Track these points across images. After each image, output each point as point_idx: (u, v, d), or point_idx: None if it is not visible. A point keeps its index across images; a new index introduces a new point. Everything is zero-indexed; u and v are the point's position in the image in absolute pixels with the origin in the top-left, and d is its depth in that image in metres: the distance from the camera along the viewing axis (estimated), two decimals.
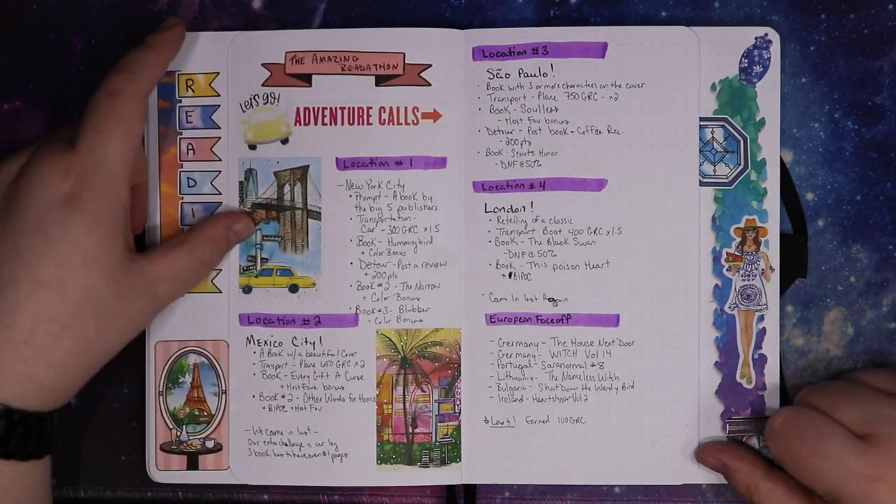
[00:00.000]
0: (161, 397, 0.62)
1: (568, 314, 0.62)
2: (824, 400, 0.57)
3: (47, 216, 0.53)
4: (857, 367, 0.62)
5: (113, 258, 0.54)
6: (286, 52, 0.61)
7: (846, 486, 0.53)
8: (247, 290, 0.62)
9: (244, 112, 0.62)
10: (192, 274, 0.59)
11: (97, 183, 0.54)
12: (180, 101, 0.62)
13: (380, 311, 0.62)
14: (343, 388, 0.62)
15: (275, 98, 0.62)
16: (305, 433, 0.62)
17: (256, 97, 0.62)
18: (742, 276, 0.61)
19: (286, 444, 0.62)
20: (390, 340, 0.62)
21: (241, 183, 0.62)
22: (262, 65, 0.62)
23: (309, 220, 0.62)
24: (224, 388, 0.62)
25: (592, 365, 0.62)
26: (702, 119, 0.61)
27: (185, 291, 0.60)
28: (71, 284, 0.53)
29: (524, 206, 0.62)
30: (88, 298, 0.53)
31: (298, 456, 0.62)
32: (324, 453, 0.62)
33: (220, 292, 0.62)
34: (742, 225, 0.61)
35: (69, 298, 0.53)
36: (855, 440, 0.54)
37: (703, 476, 0.62)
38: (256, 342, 0.62)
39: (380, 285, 0.62)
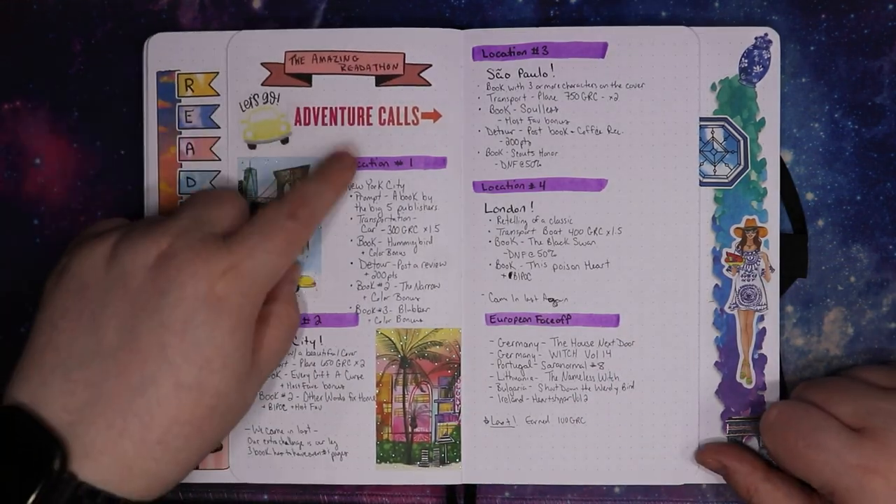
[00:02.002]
0: None
1: (568, 314, 0.62)
2: (820, 394, 0.57)
3: (196, 316, 0.52)
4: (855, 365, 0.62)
5: (245, 362, 0.54)
6: (286, 52, 0.61)
7: (841, 478, 0.54)
8: None
9: (244, 111, 0.62)
10: (286, 345, 0.59)
11: (247, 289, 0.53)
12: (180, 101, 0.62)
13: (380, 310, 0.62)
14: (343, 387, 0.62)
15: (275, 98, 0.62)
16: (305, 432, 0.62)
17: (256, 97, 0.62)
18: (742, 276, 0.61)
19: (286, 443, 0.62)
20: (390, 340, 0.62)
21: (240, 182, 0.62)
22: (262, 64, 0.62)
23: None
24: None
25: (592, 365, 0.62)
26: (702, 119, 0.61)
27: (279, 365, 0.61)
28: (209, 388, 0.52)
29: (524, 206, 0.62)
30: (221, 401, 0.53)
31: (298, 454, 0.62)
32: (324, 452, 0.62)
33: None
34: (742, 225, 0.61)
35: (205, 402, 0.52)
36: (850, 432, 0.54)
37: (703, 476, 0.62)
38: None
39: (380, 285, 0.62)
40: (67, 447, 0.50)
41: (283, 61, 0.62)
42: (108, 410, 0.51)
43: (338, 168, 0.60)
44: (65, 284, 0.54)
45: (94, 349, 0.52)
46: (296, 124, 0.62)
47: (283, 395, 0.62)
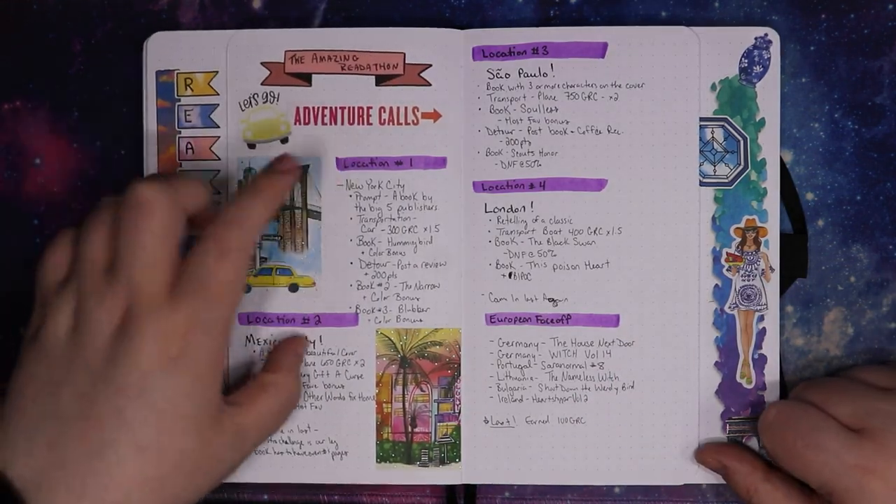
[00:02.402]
0: None
1: (568, 314, 0.62)
2: (818, 394, 0.57)
3: (150, 380, 0.52)
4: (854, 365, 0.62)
5: (209, 418, 0.53)
6: (286, 51, 0.61)
7: (840, 479, 0.54)
8: (246, 289, 0.62)
9: (243, 111, 0.62)
10: (280, 417, 0.58)
11: (202, 343, 0.53)
12: (179, 100, 0.62)
13: (379, 310, 0.62)
14: (343, 386, 0.62)
15: (274, 97, 0.62)
16: (305, 431, 0.62)
17: (255, 96, 0.62)
18: (742, 276, 0.61)
19: (286, 443, 0.62)
20: (390, 340, 0.62)
21: (239, 182, 0.62)
22: (262, 63, 0.62)
23: (308, 219, 0.62)
24: (224, 388, 0.62)
25: (592, 365, 0.62)
26: (702, 119, 0.61)
27: (270, 436, 0.60)
28: (169, 448, 0.52)
29: (524, 206, 0.62)
30: (183, 459, 0.52)
31: (298, 454, 0.62)
32: (324, 451, 0.62)
33: None
34: (742, 225, 0.61)
35: (166, 461, 0.52)
36: (849, 433, 0.54)
37: (703, 476, 0.62)
38: (256, 341, 0.62)
39: (380, 285, 0.62)
40: None
41: (282, 61, 0.61)
42: (68, 474, 0.51)
43: (271, 177, 0.57)
44: (33, 352, 0.54)
45: (53, 412, 0.52)
46: (295, 124, 0.62)
47: None
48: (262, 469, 0.62)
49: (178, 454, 0.52)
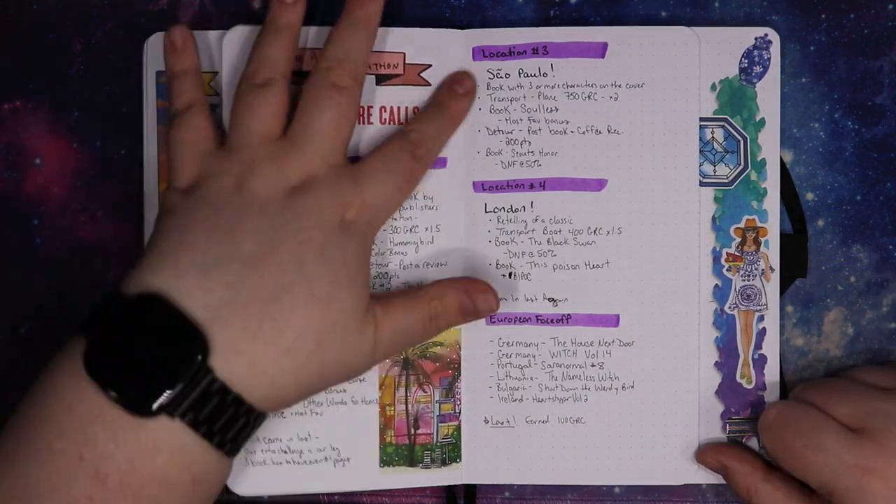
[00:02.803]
0: None
1: (568, 314, 0.62)
2: (818, 395, 0.57)
3: (331, 237, 0.54)
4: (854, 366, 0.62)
5: (366, 287, 0.55)
6: None
7: (840, 479, 0.54)
8: None
9: None
10: (410, 334, 0.58)
11: (371, 219, 0.56)
12: None
13: None
14: (345, 391, 0.61)
15: None
16: (306, 439, 0.61)
17: None
18: (742, 276, 0.61)
19: (285, 452, 0.61)
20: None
21: None
22: None
23: None
24: None
25: (592, 365, 0.62)
26: (702, 119, 0.61)
27: (400, 349, 0.60)
28: (336, 302, 0.53)
29: (524, 206, 0.62)
30: (342, 319, 0.54)
31: (299, 463, 0.61)
32: (325, 459, 0.61)
33: None
34: (742, 225, 0.61)
35: (331, 316, 0.53)
36: (849, 433, 0.55)
37: (703, 476, 0.62)
38: None
39: (381, 285, 0.61)
40: (208, 341, 0.51)
41: None
42: (245, 312, 0.52)
43: (455, 97, 0.61)
44: (193, 201, 0.55)
45: (231, 255, 0.52)
46: None
47: None
48: (260, 481, 0.61)
49: (339, 311, 0.54)
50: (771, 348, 0.61)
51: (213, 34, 0.62)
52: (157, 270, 0.52)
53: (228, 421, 0.51)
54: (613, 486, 0.63)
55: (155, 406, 0.50)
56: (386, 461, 0.62)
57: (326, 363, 0.54)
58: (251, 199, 0.54)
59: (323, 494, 0.63)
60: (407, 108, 0.61)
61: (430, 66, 0.61)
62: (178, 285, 0.52)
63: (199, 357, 0.50)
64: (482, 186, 0.62)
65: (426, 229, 0.62)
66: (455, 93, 0.61)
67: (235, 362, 0.51)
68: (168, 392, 0.50)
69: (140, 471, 0.50)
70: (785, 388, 0.62)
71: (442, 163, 0.61)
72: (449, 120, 0.61)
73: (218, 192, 0.55)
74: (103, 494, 0.49)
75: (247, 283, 0.52)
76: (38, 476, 0.49)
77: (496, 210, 0.62)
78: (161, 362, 0.51)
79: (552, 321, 0.62)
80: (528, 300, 0.62)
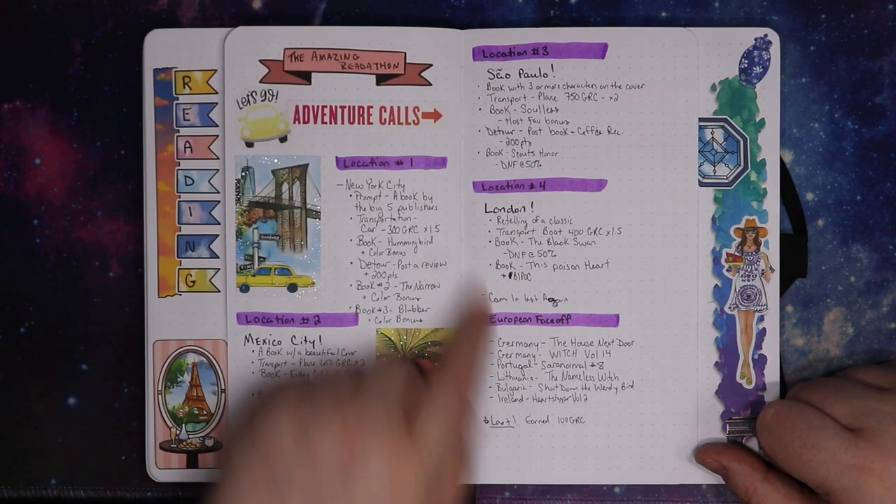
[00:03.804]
0: (160, 396, 0.62)
1: (568, 314, 0.62)
2: (816, 394, 0.57)
3: (379, 497, 0.51)
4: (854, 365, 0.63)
5: None
6: (285, 49, 0.61)
7: (837, 478, 0.54)
8: (244, 288, 0.62)
9: (241, 109, 0.61)
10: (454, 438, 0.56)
11: (424, 473, 0.52)
12: (177, 99, 0.62)
13: (380, 310, 0.62)
14: None
15: (273, 95, 0.61)
16: None
17: (254, 94, 0.61)
18: (742, 276, 0.61)
19: None
20: (390, 340, 0.62)
21: (237, 181, 0.62)
22: (260, 61, 0.61)
23: (308, 219, 0.62)
24: (223, 387, 0.62)
25: (592, 365, 0.62)
26: (702, 119, 0.61)
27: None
28: None
29: (524, 207, 0.62)
30: None
31: None
32: None
33: (219, 291, 0.62)
34: (742, 225, 0.61)
35: None
36: (846, 433, 0.55)
37: (702, 476, 0.62)
38: (255, 341, 0.62)
39: (380, 285, 0.62)
40: None
41: (281, 58, 0.61)
42: None
43: (477, 331, 0.59)
44: (252, 451, 0.52)
45: None
46: (294, 122, 0.61)
47: None
48: None
49: None
50: (771, 348, 0.61)
51: (213, 33, 0.62)
52: None
53: None
54: (613, 486, 0.63)
55: None
56: None
57: None
58: (305, 444, 0.52)
59: None
60: (407, 107, 0.61)
61: (431, 65, 0.61)
62: None
63: None
64: (482, 186, 0.62)
65: (426, 229, 0.62)
66: (476, 326, 0.59)
67: None
68: None
69: None
70: (785, 388, 0.62)
71: (442, 163, 0.61)
72: (478, 351, 0.58)
73: (275, 436, 0.53)
74: None
75: None
76: None
77: (496, 210, 0.62)
78: None
79: (552, 321, 0.62)
80: (528, 300, 0.62)
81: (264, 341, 0.62)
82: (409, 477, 0.52)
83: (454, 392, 0.55)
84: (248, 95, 0.61)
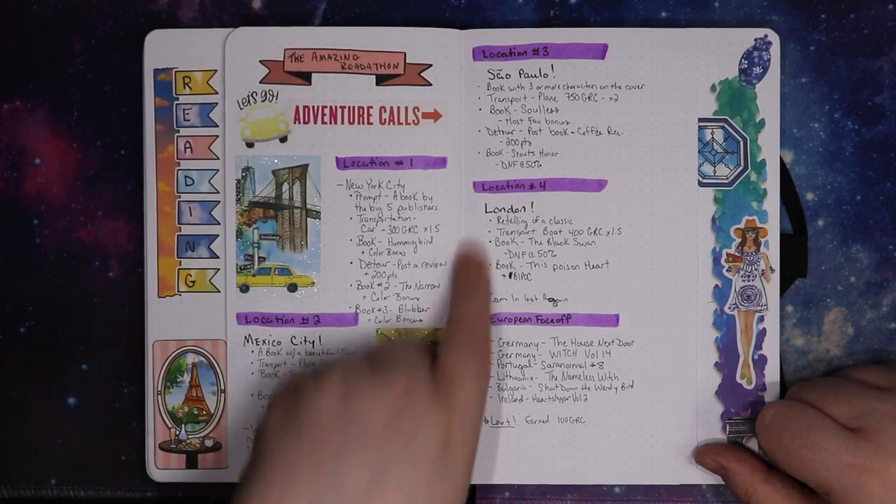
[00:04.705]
0: (160, 396, 0.62)
1: (568, 314, 0.62)
2: (815, 394, 0.57)
3: (437, 467, 0.52)
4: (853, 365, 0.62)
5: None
6: (285, 49, 0.61)
7: (837, 478, 0.54)
8: (244, 289, 0.62)
9: (241, 109, 0.61)
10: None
11: (470, 434, 0.54)
12: (177, 99, 0.62)
13: (379, 310, 0.62)
14: None
15: (273, 95, 0.61)
16: None
17: (254, 94, 0.61)
18: (742, 276, 0.61)
19: None
20: (390, 340, 0.62)
21: (238, 181, 0.62)
22: (261, 61, 0.61)
23: (308, 219, 0.62)
24: (223, 388, 0.62)
25: (592, 365, 0.62)
26: (701, 120, 0.61)
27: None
28: None
29: (524, 207, 0.62)
30: None
31: None
32: None
33: (218, 292, 0.62)
34: (742, 226, 0.61)
35: None
36: (846, 433, 0.55)
37: (702, 476, 0.62)
38: (254, 341, 0.62)
39: (379, 285, 0.62)
40: None
41: (282, 59, 0.61)
42: None
43: (476, 277, 0.61)
44: (295, 428, 0.53)
45: (338, 500, 0.51)
46: (295, 123, 0.61)
47: None
48: None
49: None
50: (771, 349, 0.61)
51: (213, 33, 0.62)
52: None
53: None
54: (613, 486, 0.63)
55: None
56: None
57: None
58: (353, 419, 0.52)
59: None
60: (407, 108, 0.61)
61: (431, 66, 0.61)
62: None
63: None
64: (482, 186, 0.62)
65: (425, 229, 0.62)
66: (472, 272, 0.61)
67: None
68: None
69: None
70: (785, 388, 0.62)
71: (442, 163, 0.61)
72: (483, 299, 0.60)
73: (321, 410, 0.53)
74: None
75: None
76: None
77: (496, 210, 0.62)
78: None
79: (552, 321, 0.62)
80: (528, 300, 0.62)
81: (264, 342, 0.62)
82: (458, 443, 0.53)
83: (471, 360, 0.56)
84: (248, 96, 0.61)
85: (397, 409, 0.52)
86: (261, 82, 0.61)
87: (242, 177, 0.62)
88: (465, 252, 0.61)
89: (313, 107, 0.61)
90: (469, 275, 0.61)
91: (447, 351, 0.56)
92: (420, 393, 0.53)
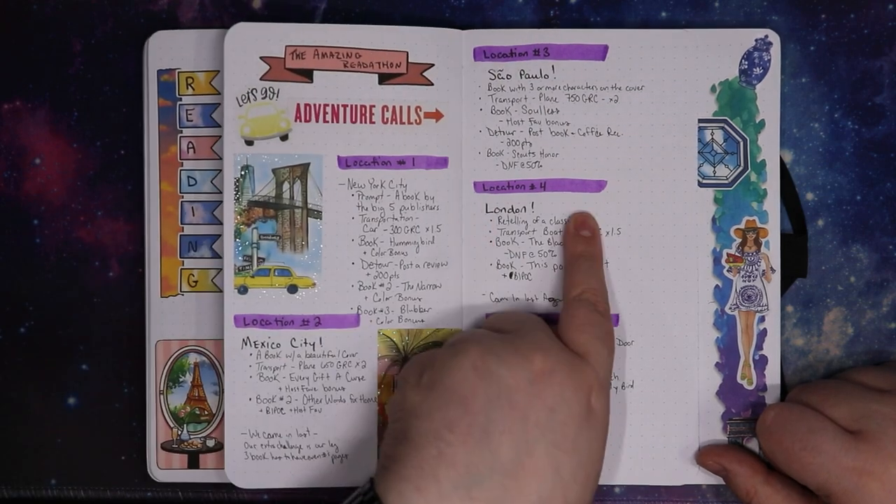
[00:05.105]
0: (162, 396, 0.62)
1: None
2: (815, 397, 0.57)
3: (581, 434, 0.53)
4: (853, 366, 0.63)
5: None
6: (286, 46, 0.61)
7: (838, 481, 0.54)
8: (242, 290, 0.61)
9: (241, 106, 0.61)
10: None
11: (607, 396, 0.56)
12: (180, 100, 0.62)
13: (381, 311, 0.62)
14: (344, 388, 0.62)
15: (274, 93, 0.61)
16: (305, 435, 0.61)
17: (254, 91, 0.61)
18: (743, 276, 0.61)
19: (284, 447, 0.61)
20: (392, 341, 0.62)
21: (237, 180, 0.61)
22: (261, 58, 0.61)
23: (309, 218, 0.61)
24: (224, 388, 0.62)
25: None
26: (702, 121, 0.62)
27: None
28: (582, 502, 0.54)
29: (525, 207, 0.62)
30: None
31: (297, 458, 0.61)
32: (324, 455, 0.62)
33: (221, 291, 0.62)
34: (742, 226, 0.61)
35: None
36: (846, 435, 0.55)
37: (703, 477, 0.62)
38: (252, 344, 0.61)
39: (381, 285, 0.61)
40: None
41: (283, 56, 0.61)
42: None
43: (585, 241, 0.61)
44: (439, 395, 0.53)
45: (491, 465, 0.52)
46: (296, 120, 0.61)
47: (282, 399, 0.61)
48: (259, 474, 0.61)
49: None
50: (772, 349, 0.61)
51: (216, 34, 0.62)
52: (419, 490, 0.51)
53: None
54: (613, 487, 0.63)
55: None
56: None
57: None
58: (496, 388, 0.53)
59: (323, 493, 0.63)
60: (409, 107, 0.61)
61: (433, 65, 0.61)
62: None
63: None
64: (483, 187, 0.62)
65: (427, 229, 0.62)
66: (583, 238, 0.61)
67: None
68: None
69: None
70: (785, 388, 0.62)
71: (443, 163, 0.61)
72: (597, 262, 0.61)
73: (462, 381, 0.54)
74: None
75: (508, 497, 0.51)
76: None
77: (497, 210, 0.62)
78: None
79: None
80: (528, 300, 0.62)
81: (262, 344, 0.61)
82: (598, 407, 0.55)
83: (598, 319, 0.57)
84: (248, 93, 0.61)
85: (537, 379, 0.53)
86: (261, 79, 0.61)
87: (241, 175, 0.61)
88: (579, 219, 0.62)
89: (315, 105, 0.61)
90: (583, 246, 0.61)
91: (575, 328, 0.57)
92: (558, 366, 0.54)
